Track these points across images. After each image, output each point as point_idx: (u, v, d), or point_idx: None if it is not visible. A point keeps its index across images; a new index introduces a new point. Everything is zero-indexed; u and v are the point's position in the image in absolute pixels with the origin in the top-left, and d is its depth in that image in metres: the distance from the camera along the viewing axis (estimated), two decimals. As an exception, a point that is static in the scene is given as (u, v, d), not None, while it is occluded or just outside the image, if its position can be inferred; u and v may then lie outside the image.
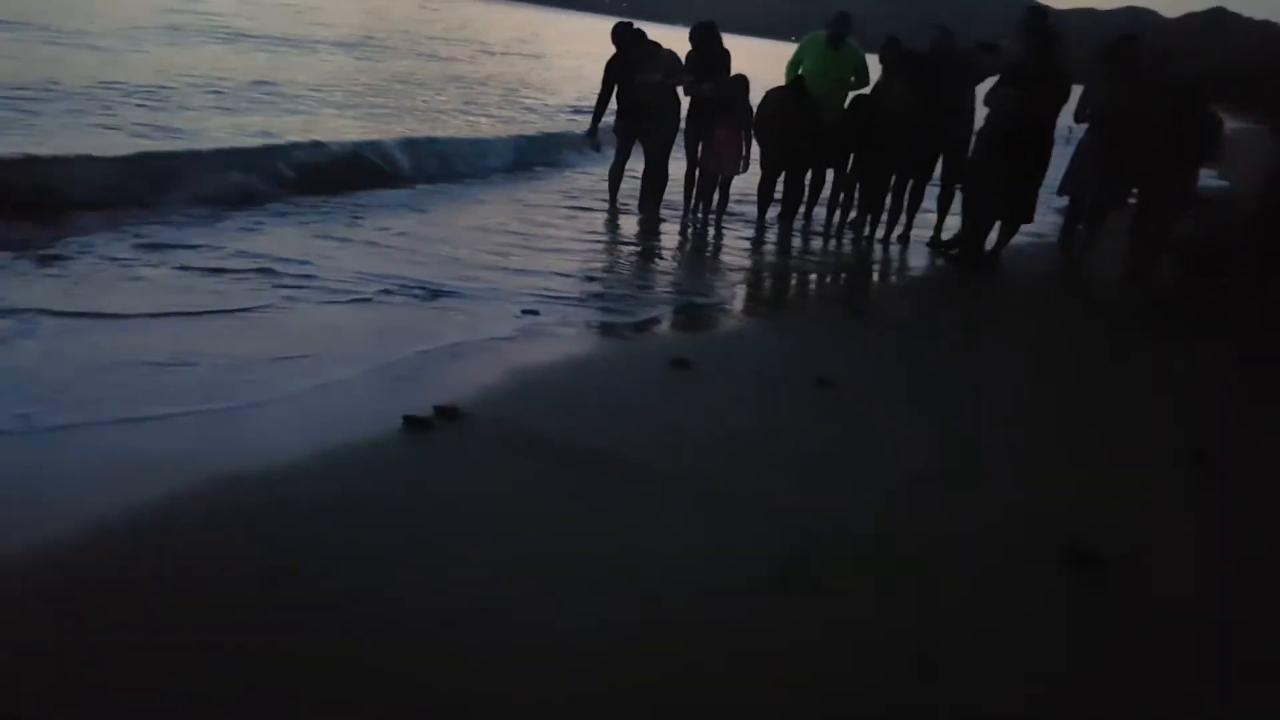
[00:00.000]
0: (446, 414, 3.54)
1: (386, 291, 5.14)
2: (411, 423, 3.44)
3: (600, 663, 2.31)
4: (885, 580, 2.83)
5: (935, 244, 8.19)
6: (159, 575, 2.46)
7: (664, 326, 5.35)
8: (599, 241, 7.42)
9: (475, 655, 2.28)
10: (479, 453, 3.36)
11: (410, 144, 9.33)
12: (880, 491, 3.41)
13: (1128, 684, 2.50)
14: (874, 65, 8.22)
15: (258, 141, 8.36)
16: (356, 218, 6.90)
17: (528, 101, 16.56)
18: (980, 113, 7.70)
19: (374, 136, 9.47)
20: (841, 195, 8.46)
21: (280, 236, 6.08)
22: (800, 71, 8.21)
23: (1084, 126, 7.49)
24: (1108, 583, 2.95)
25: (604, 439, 3.56)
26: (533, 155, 10.83)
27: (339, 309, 4.83)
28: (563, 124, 13.24)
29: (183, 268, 5.12)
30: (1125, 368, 5.52)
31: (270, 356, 4.04)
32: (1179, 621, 2.83)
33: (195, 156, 7.37)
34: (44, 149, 6.76)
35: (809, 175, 8.46)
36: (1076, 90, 7.39)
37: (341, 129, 9.99)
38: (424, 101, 13.99)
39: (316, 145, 8.45)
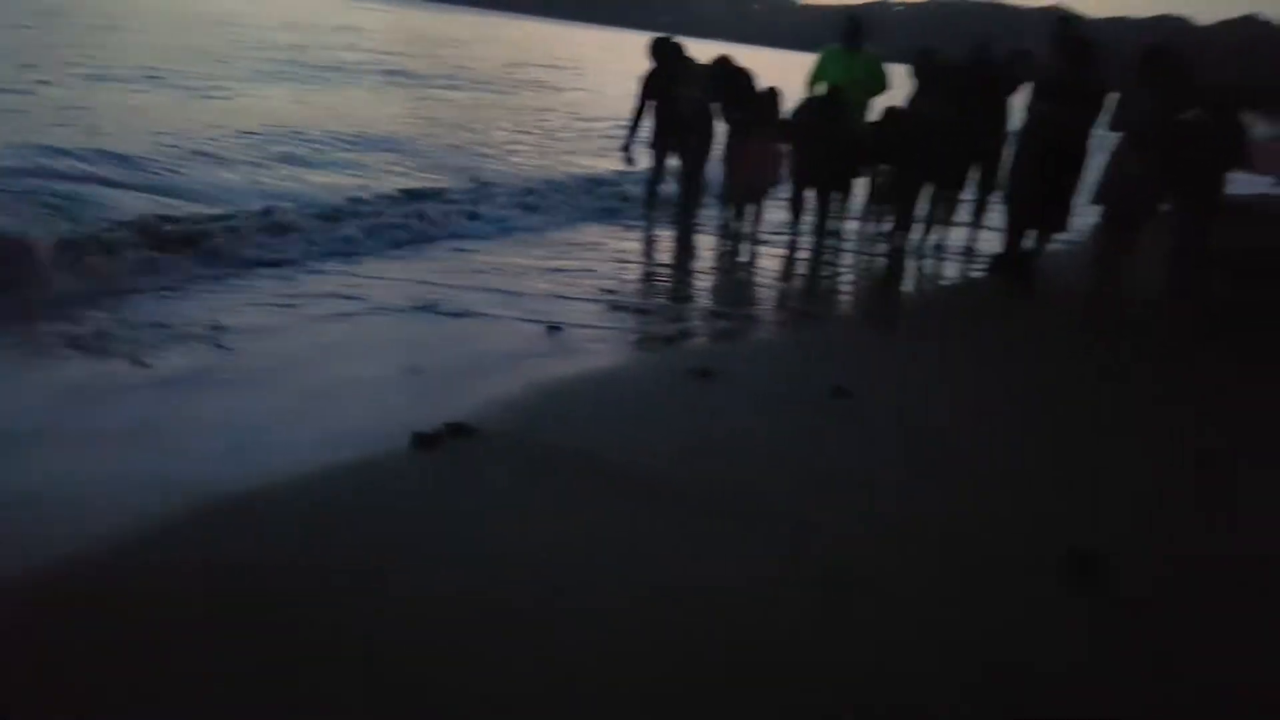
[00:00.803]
0: (459, 430, 3.59)
1: (419, 309, 5.29)
2: (423, 439, 3.48)
3: (625, 673, 2.35)
4: (913, 585, 2.86)
5: (998, 265, 8.07)
6: (167, 590, 2.55)
7: (689, 338, 5.40)
8: (632, 256, 7.49)
9: (487, 666, 2.34)
10: (493, 468, 3.40)
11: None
12: (896, 501, 3.44)
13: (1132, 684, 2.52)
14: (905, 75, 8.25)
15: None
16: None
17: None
18: (1014, 121, 7.73)
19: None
20: (875, 207, 8.48)
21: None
22: (827, 81, 8.24)
23: (1117, 135, 7.48)
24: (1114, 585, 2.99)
25: (620, 451, 3.60)
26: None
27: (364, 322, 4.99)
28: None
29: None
30: (1149, 377, 5.49)
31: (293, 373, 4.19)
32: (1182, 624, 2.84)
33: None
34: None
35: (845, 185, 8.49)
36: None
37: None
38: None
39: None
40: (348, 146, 10.43)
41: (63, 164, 7.54)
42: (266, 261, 5.84)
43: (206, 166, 8.42)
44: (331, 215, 7.18)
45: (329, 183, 8.68)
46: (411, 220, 7.33)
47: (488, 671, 2.32)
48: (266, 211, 6.98)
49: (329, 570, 2.68)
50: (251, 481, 3.12)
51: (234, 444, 3.46)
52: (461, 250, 6.92)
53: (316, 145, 10.06)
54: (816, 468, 3.70)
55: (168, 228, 6.18)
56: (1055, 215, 7.54)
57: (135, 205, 6.74)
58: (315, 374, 4.24)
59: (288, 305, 5.17)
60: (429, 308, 5.33)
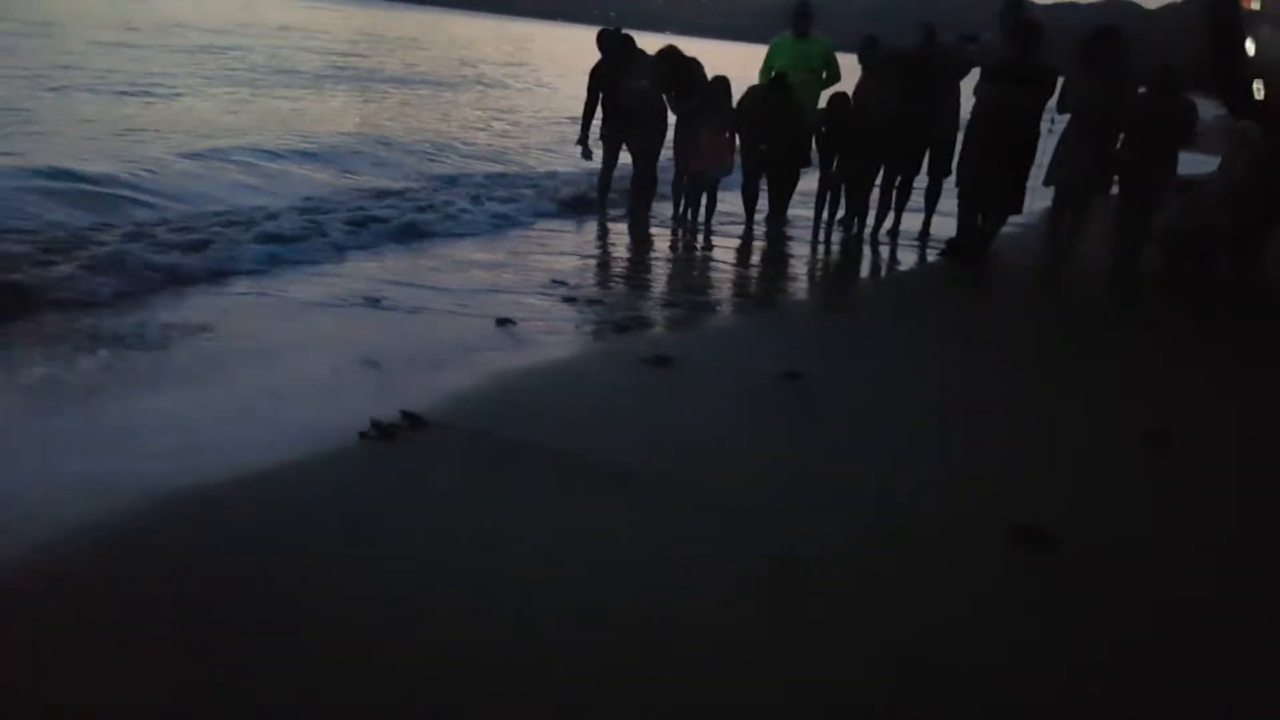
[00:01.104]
0: (413, 420, 3.57)
1: (370, 301, 5.25)
2: (379, 429, 3.47)
3: (587, 663, 2.32)
4: (869, 574, 2.85)
5: (953, 249, 8.05)
6: (131, 581, 2.52)
7: (645, 328, 5.36)
8: (585, 249, 7.45)
9: (455, 657, 2.31)
10: (447, 460, 3.38)
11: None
12: (854, 486, 3.44)
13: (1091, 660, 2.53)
14: (854, 64, 8.25)
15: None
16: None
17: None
18: (966, 106, 7.78)
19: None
20: (828, 194, 8.49)
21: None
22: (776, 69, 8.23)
23: (1066, 117, 7.55)
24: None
25: (575, 440, 3.57)
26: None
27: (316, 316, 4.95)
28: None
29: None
30: (1097, 355, 5.54)
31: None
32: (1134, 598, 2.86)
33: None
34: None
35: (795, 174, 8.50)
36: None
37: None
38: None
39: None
40: (303, 148, 10.26)
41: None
42: (221, 265, 5.70)
43: (167, 174, 8.19)
44: (285, 214, 7.06)
45: (283, 184, 8.54)
46: (362, 218, 7.22)
47: (443, 664, 2.28)
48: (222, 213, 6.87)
49: (283, 567, 2.63)
50: (208, 477, 3.07)
51: (190, 442, 3.38)
52: (416, 247, 6.84)
53: (268, 150, 9.88)
54: (769, 450, 3.70)
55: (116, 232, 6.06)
56: (1008, 198, 7.61)
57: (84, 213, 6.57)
58: (268, 369, 4.18)
59: (243, 302, 5.11)
60: (378, 303, 5.26)
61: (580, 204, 8.87)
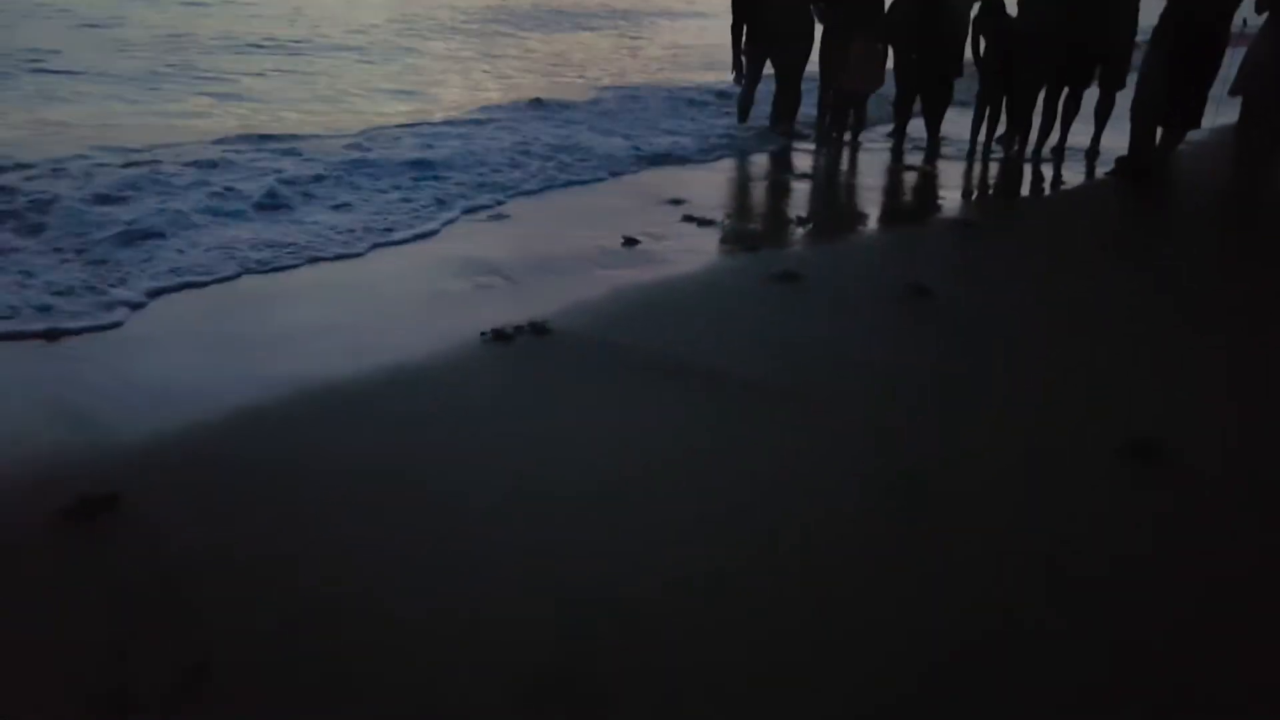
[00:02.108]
0: (536, 328, 3.67)
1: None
2: (496, 334, 3.61)
3: (721, 558, 2.35)
4: (990, 489, 2.75)
5: (1124, 167, 7.47)
6: (278, 459, 2.76)
7: (776, 246, 5.24)
8: (724, 170, 7.28)
9: (574, 553, 2.36)
10: (564, 362, 3.46)
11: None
12: (975, 406, 3.32)
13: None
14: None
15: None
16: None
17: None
18: (1145, 12, 7.13)
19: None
20: (987, 109, 7.98)
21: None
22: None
23: (1264, 17, 6.79)
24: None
25: (698, 352, 3.57)
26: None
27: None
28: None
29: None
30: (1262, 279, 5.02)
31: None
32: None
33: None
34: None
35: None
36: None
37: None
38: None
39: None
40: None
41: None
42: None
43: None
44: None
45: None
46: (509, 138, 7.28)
47: (540, 553, 2.35)
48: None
49: (406, 451, 2.82)
50: (357, 373, 3.31)
51: (343, 344, 3.59)
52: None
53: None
54: (893, 364, 3.60)
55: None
56: (1190, 110, 6.96)
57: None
58: (405, 286, 4.37)
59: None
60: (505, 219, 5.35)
61: (722, 121, 8.66)
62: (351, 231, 4.93)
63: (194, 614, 2.08)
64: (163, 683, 1.87)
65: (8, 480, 2.59)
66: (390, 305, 4.08)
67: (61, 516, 2.38)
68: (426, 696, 1.88)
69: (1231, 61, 6.89)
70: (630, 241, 4.98)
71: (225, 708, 1.84)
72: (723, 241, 5.22)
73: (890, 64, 8.09)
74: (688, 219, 5.52)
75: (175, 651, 1.95)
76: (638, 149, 7.36)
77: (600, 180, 6.54)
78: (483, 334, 3.60)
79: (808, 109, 8.46)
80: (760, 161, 7.67)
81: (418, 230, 5.10)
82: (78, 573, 2.22)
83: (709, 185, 6.60)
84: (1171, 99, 6.90)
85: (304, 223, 5.03)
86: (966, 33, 7.67)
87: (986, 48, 7.64)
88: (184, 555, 2.28)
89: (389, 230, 5.03)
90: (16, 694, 1.87)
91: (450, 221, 5.32)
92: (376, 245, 4.84)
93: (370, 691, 1.89)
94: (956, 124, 8.22)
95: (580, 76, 11.35)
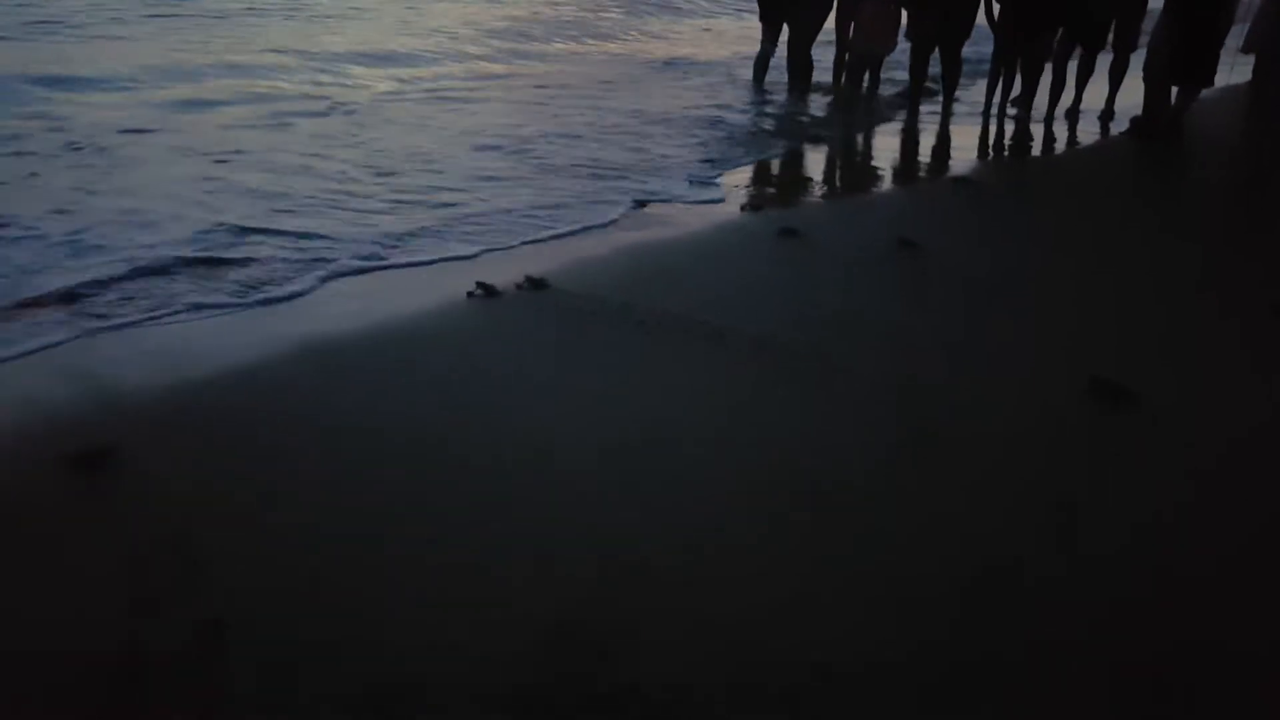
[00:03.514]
0: (534, 283, 3.80)
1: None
2: (483, 287, 3.74)
3: (721, 516, 2.39)
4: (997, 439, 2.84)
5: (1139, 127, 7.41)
6: (273, 411, 2.85)
7: (779, 206, 5.34)
8: (736, 132, 7.36)
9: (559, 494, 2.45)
10: (553, 317, 3.56)
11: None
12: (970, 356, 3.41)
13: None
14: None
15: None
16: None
17: None
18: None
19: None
20: (1002, 70, 7.99)
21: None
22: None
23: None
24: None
25: (695, 305, 3.64)
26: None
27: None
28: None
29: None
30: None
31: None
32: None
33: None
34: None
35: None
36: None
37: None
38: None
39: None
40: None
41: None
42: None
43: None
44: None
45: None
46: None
47: (556, 509, 2.40)
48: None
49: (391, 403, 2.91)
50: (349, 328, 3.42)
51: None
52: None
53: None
54: (882, 316, 3.73)
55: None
56: (1202, 68, 6.95)
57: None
58: None
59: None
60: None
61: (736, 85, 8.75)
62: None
63: (204, 569, 2.10)
64: (177, 640, 1.89)
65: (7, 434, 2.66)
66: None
67: (64, 465, 2.45)
68: (447, 648, 1.91)
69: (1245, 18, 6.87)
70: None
71: (243, 665, 1.86)
72: (725, 200, 5.36)
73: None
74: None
75: (189, 607, 1.98)
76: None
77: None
78: (469, 293, 3.72)
79: (822, 75, 8.53)
80: (769, 124, 7.77)
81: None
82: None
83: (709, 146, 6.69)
84: (1184, 58, 6.90)
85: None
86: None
87: (1001, 9, 7.65)
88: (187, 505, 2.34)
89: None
90: (29, 644, 1.90)
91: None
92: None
93: (392, 643, 1.91)
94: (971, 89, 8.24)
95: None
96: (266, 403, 2.87)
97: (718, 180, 5.72)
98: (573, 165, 5.79)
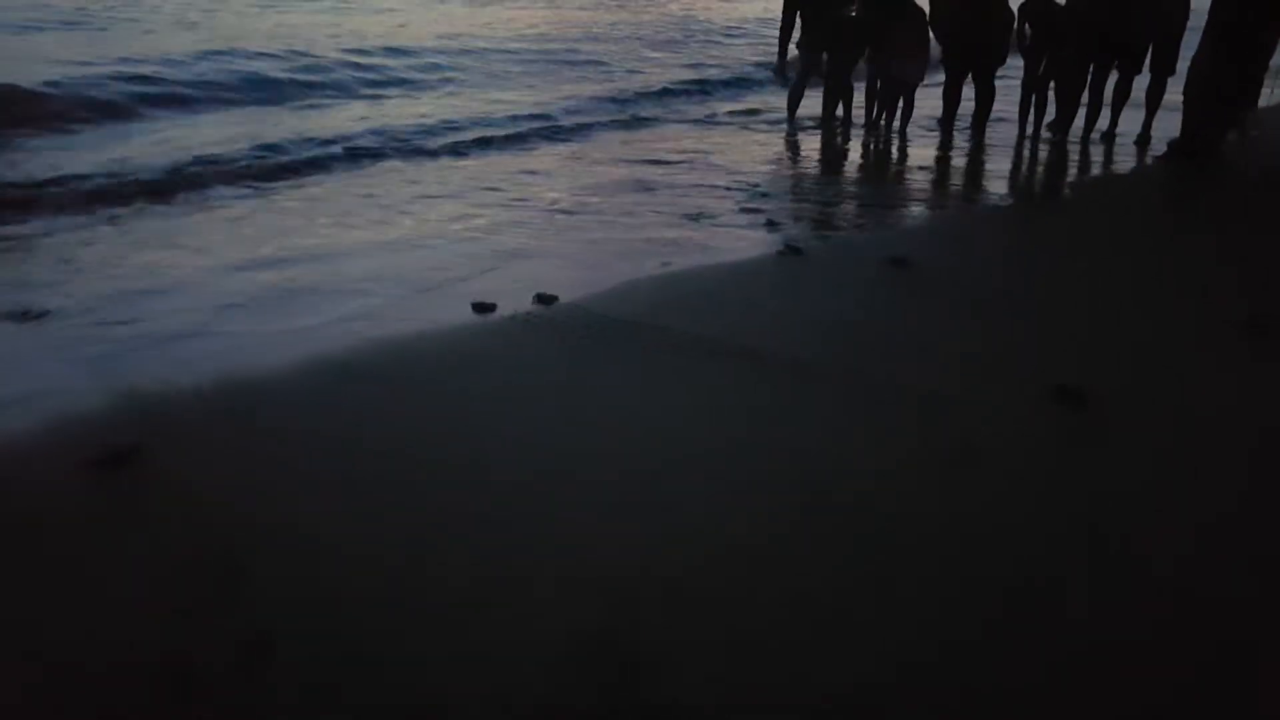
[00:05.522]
0: (545, 300, 3.91)
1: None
2: (480, 307, 3.84)
3: (748, 532, 2.40)
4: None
5: (1177, 150, 7.23)
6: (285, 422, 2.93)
7: (797, 226, 5.39)
8: (772, 158, 7.41)
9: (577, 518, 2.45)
10: (562, 335, 3.61)
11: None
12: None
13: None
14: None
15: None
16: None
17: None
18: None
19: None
20: (1034, 95, 7.93)
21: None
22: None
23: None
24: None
25: (702, 323, 3.69)
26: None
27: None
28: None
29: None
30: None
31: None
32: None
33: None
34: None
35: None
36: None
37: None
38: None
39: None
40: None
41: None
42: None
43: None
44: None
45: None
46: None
47: (581, 525, 2.42)
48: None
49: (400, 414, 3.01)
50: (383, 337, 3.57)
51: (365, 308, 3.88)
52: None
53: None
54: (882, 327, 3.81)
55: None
56: (1246, 90, 6.84)
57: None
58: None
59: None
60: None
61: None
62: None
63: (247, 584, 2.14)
64: (223, 657, 1.91)
65: (29, 434, 2.77)
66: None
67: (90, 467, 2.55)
68: (479, 661, 1.93)
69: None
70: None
71: (289, 681, 1.88)
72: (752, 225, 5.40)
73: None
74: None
75: (232, 622, 2.02)
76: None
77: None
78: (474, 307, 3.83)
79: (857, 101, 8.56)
80: (798, 150, 7.83)
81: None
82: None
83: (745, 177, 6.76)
84: (1226, 80, 6.80)
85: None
86: (1012, 19, 7.66)
87: (1034, 33, 7.62)
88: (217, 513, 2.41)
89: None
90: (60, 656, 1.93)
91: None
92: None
93: (427, 659, 1.94)
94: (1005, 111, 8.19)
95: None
96: (294, 416, 2.95)
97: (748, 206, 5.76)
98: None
